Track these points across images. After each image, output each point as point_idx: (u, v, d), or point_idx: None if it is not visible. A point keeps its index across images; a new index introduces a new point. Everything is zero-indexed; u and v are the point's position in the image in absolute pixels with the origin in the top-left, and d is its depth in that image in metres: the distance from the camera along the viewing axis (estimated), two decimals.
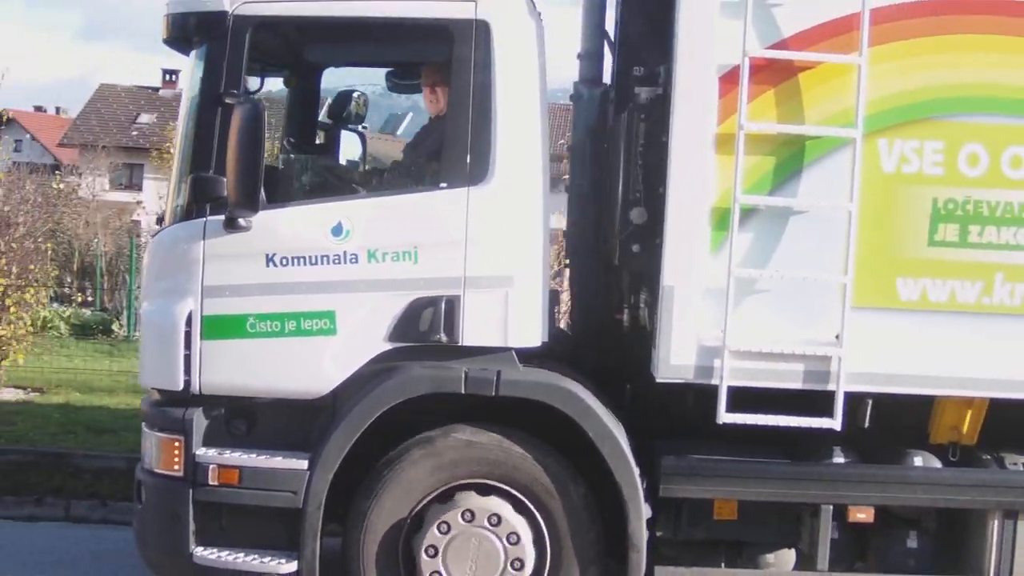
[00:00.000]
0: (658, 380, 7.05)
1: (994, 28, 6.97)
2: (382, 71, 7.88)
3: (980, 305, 7.07)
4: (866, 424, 7.18)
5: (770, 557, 7.42)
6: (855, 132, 6.90)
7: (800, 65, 6.95)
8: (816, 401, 7.08)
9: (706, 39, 6.90)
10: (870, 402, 7.16)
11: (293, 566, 7.05)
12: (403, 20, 7.03)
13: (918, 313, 7.06)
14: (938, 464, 7.37)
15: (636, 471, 7.06)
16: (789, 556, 7.42)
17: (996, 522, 7.27)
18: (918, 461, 7.35)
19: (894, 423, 7.38)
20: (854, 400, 7.12)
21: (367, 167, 7.63)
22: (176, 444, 7.12)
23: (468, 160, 6.97)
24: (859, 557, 7.49)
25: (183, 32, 7.15)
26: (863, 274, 7.02)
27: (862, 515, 7.23)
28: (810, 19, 6.95)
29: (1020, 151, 7.00)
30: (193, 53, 7.24)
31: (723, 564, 7.37)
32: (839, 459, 7.34)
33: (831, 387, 7.02)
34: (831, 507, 7.19)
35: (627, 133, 7.30)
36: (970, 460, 7.39)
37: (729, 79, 6.91)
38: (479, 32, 6.94)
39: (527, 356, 7.19)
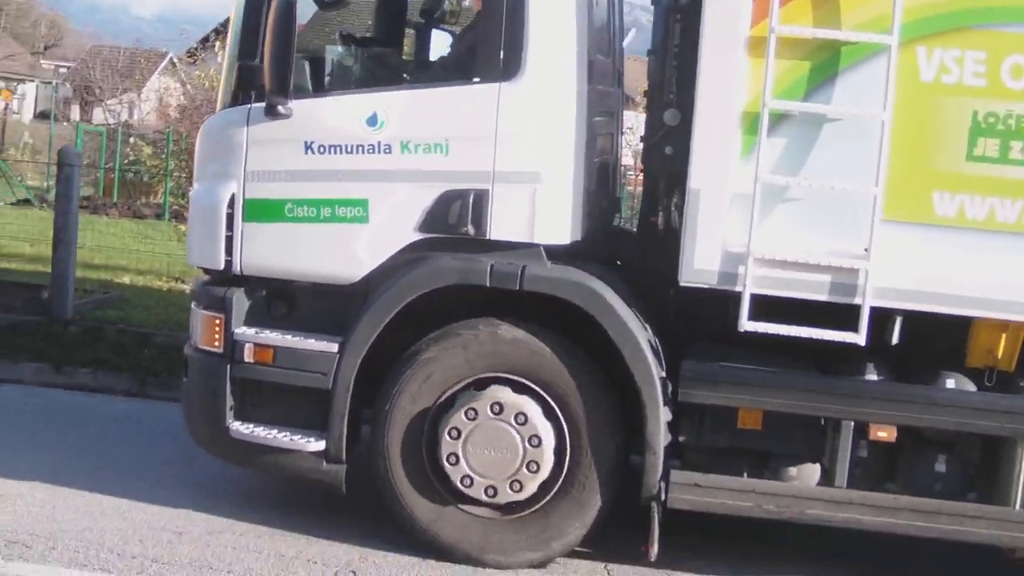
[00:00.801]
0: (681, 284, 7.02)
1: None
2: None
3: (1020, 225, 6.82)
4: (894, 341, 6.99)
5: (793, 471, 7.26)
6: (891, 39, 6.71)
7: None
8: (845, 314, 6.93)
9: None
10: (899, 319, 6.97)
11: (321, 445, 7.27)
12: None
13: (954, 230, 6.85)
14: (972, 388, 7.13)
15: (656, 373, 7.04)
16: (813, 471, 7.25)
17: (1022, 450, 7.00)
18: (950, 383, 7.12)
19: (931, 343, 7.18)
20: (883, 316, 6.95)
21: (406, 59, 7.75)
22: (217, 322, 7.40)
23: (501, 56, 7.02)
24: (887, 477, 7.29)
25: None
26: (897, 187, 6.84)
27: (883, 434, 7.04)
28: None
29: None
30: None
31: (746, 474, 7.26)
32: (871, 376, 7.17)
33: (857, 300, 6.87)
34: (852, 423, 7.04)
35: (664, 34, 7.27)
36: (1007, 387, 7.12)
37: None
38: None
39: (564, 255, 7.24)
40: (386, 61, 7.66)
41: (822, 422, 7.17)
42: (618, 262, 7.89)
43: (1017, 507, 7.00)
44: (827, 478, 7.16)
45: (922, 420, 7.03)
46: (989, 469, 7.16)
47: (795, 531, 7.45)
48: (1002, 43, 6.73)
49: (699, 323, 7.39)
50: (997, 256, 6.83)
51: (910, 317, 7.00)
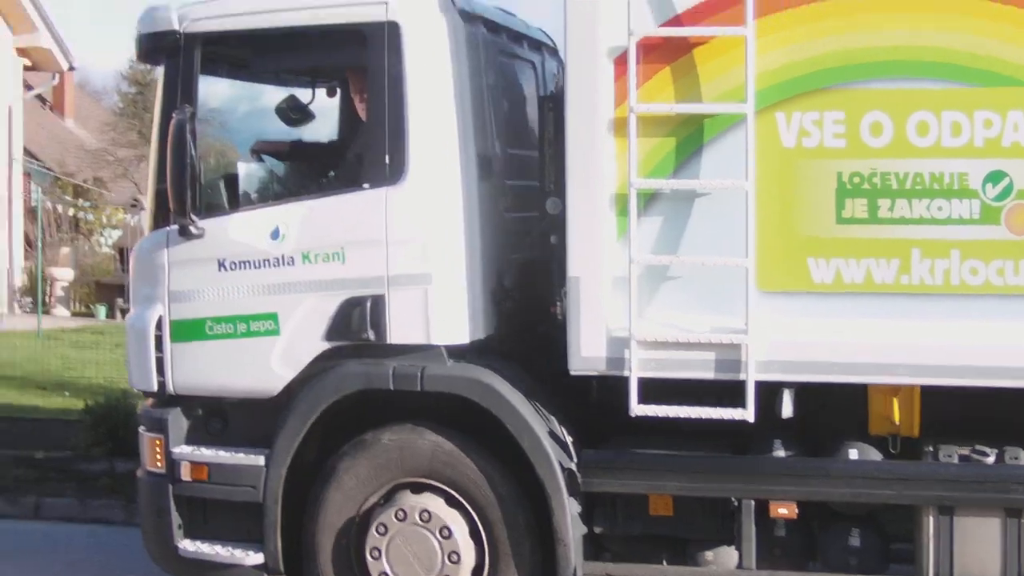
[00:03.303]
0: (572, 372, 7.02)
1: None
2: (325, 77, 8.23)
3: (899, 285, 6.62)
4: (786, 415, 6.85)
5: (709, 555, 7.18)
6: (746, 107, 6.65)
7: (694, 41, 6.79)
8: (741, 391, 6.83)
9: (592, 22, 6.84)
10: (787, 392, 6.83)
11: (260, 558, 7.50)
12: (322, 27, 7.36)
13: (833, 296, 6.70)
14: (877, 456, 6.91)
15: (556, 463, 7.06)
16: (731, 554, 7.12)
17: (931, 518, 6.74)
18: (853, 453, 6.92)
19: (835, 413, 7.03)
20: (773, 390, 6.82)
21: (303, 171, 8.00)
22: (158, 442, 7.72)
23: (386, 160, 7.21)
24: (810, 556, 7.11)
25: (147, 51, 7.78)
26: (771, 256, 6.74)
27: (784, 510, 6.89)
28: None
29: (926, 116, 6.54)
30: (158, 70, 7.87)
31: (665, 561, 7.18)
32: (779, 452, 7.03)
33: (741, 376, 6.76)
34: (752, 502, 6.92)
35: (540, 123, 7.35)
36: (912, 453, 6.88)
37: (622, 61, 6.83)
38: (391, 34, 7.17)
39: (473, 352, 7.34)
40: (285, 175, 7.94)
41: (733, 503, 7.03)
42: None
43: (930, 574, 6.74)
44: (741, 559, 7.02)
45: (819, 494, 6.88)
46: (901, 539, 6.90)
47: None
48: (859, 101, 6.61)
49: (604, 411, 7.34)
50: (878, 319, 6.64)
51: (808, 389, 6.84)
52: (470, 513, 7.26)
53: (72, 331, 21.83)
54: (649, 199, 6.87)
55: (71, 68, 33.96)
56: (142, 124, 30.83)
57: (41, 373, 17.13)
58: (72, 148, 36.14)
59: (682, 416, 6.86)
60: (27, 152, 32.21)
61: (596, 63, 6.85)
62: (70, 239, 29.88)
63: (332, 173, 7.75)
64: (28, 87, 32.70)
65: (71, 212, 31.04)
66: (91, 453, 12.03)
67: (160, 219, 7.69)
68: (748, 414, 6.75)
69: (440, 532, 7.24)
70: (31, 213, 29.21)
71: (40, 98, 36.57)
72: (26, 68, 31.09)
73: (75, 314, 26.16)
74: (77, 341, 20.55)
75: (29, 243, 28.89)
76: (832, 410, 7.01)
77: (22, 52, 30.29)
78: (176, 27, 7.53)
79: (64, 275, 27.87)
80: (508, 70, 8.00)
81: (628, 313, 6.82)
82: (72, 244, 29.30)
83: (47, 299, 26.73)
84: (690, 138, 6.83)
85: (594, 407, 7.36)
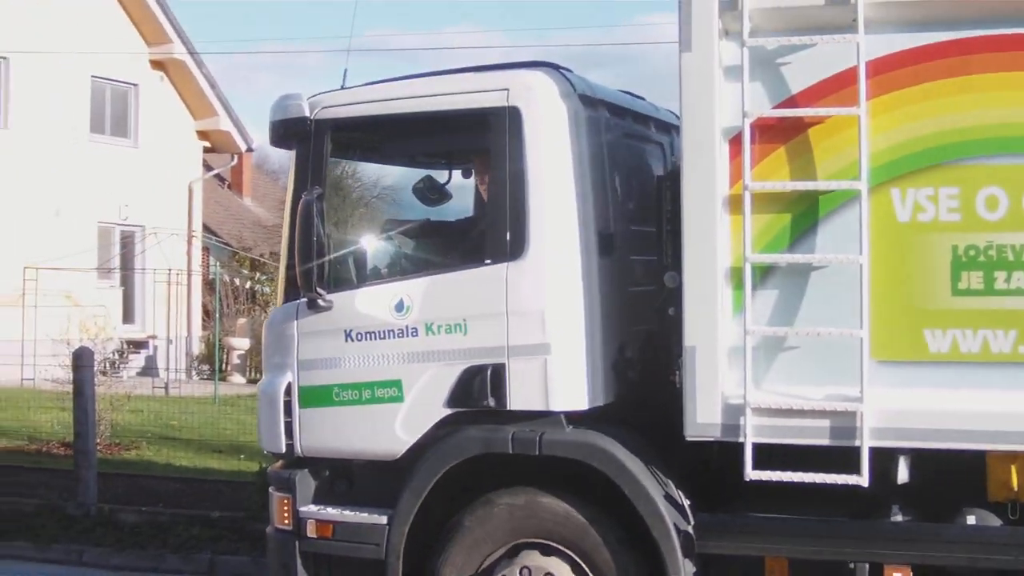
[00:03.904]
0: (687, 438, 7.21)
1: (998, 65, 6.72)
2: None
3: (1016, 354, 6.74)
4: (901, 480, 6.98)
5: None
6: (860, 184, 6.84)
7: (808, 121, 6.99)
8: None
9: (708, 103, 7.08)
10: (901, 458, 6.98)
11: None
12: (448, 112, 7.71)
13: (949, 365, 6.83)
14: (996, 522, 7.01)
15: (671, 526, 7.25)
16: None
17: None
18: (971, 519, 7.02)
19: (953, 480, 7.11)
20: (886, 456, 6.96)
21: (427, 247, 8.30)
22: (286, 501, 8.07)
23: (507, 237, 7.51)
24: None
25: (280, 137, 8.17)
26: (886, 327, 6.89)
27: (898, 574, 6.99)
28: (813, 76, 6.98)
29: None
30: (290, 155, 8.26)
31: None
32: (897, 518, 7.16)
33: (856, 442, 6.90)
34: (867, 565, 7.05)
35: (658, 200, 7.59)
36: None
37: (737, 141, 7.08)
38: (512, 118, 7.50)
39: (592, 420, 7.56)
40: (410, 251, 8.23)
41: (849, 567, 7.16)
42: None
43: None
44: None
45: (934, 558, 6.97)
46: None
47: None
48: (973, 176, 6.76)
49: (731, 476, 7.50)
50: (994, 388, 6.77)
51: (925, 456, 6.98)
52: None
53: (247, 397, 22.28)
54: (765, 273, 7.07)
55: (249, 149, 36.18)
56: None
57: (217, 436, 17.70)
58: (249, 224, 37.67)
59: (796, 480, 7.01)
60: (207, 228, 34.32)
61: (712, 142, 7.08)
62: (247, 310, 31.01)
63: (456, 250, 8.05)
64: (208, 167, 34.83)
65: (248, 284, 32.39)
66: (264, 514, 12.33)
67: (291, 293, 8.04)
68: (863, 480, 6.88)
69: None
70: (209, 286, 30.87)
71: (219, 178, 38.53)
72: (206, 150, 33.37)
73: (250, 381, 26.91)
74: (252, 407, 20.99)
75: (207, 314, 30.43)
76: (950, 477, 7.09)
77: (203, 135, 32.68)
78: (307, 114, 7.91)
79: (241, 344, 29.05)
80: (634, 151, 8.25)
81: (744, 381, 7.02)
82: (249, 315, 30.40)
83: (224, 367, 27.89)
84: (804, 214, 7.03)
85: (711, 473, 7.53)
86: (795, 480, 7.02)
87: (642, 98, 8.66)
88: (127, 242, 30.95)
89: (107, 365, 19.76)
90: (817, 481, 6.98)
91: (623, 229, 7.90)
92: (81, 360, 13.38)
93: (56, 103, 28.44)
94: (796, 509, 7.26)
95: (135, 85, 30.93)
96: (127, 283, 31.17)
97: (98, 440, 13.92)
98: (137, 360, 28.55)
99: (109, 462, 14.93)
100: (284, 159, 34.14)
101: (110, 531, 12.19)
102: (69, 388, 14.12)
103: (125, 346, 26.99)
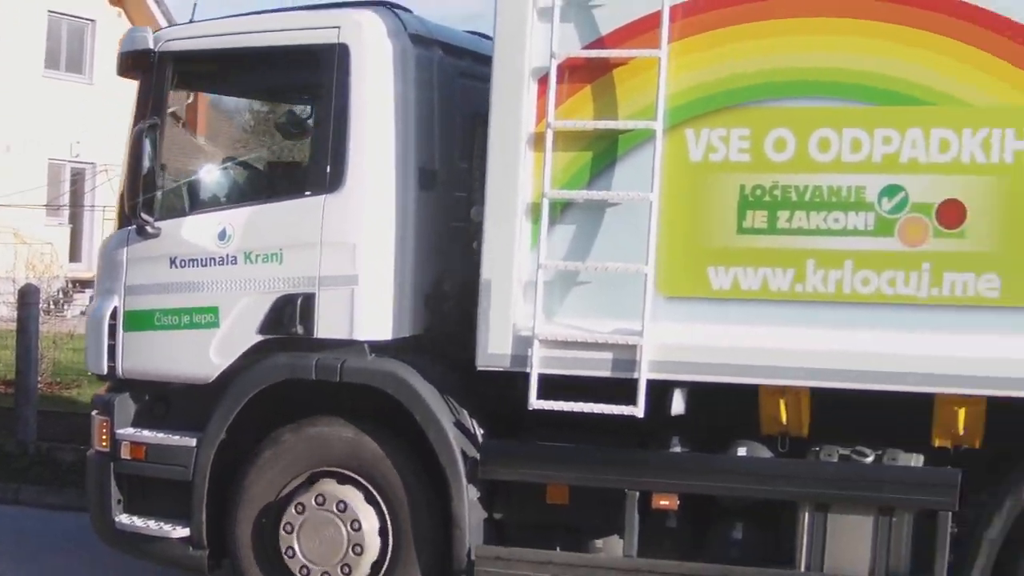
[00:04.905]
0: (479, 368, 7.33)
1: (794, 10, 6.91)
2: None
3: (793, 293, 6.88)
4: (675, 412, 7.14)
5: (599, 543, 7.50)
6: (655, 124, 7.01)
7: (614, 63, 7.16)
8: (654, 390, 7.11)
9: (519, 43, 7.24)
10: (677, 391, 7.12)
11: (186, 532, 7.94)
12: (283, 48, 7.88)
13: (730, 302, 6.98)
14: (767, 454, 7.17)
15: (458, 453, 7.40)
16: (619, 543, 7.38)
17: (807, 514, 6.96)
18: (742, 451, 7.18)
19: (730, 414, 7.27)
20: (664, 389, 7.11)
21: (252, 180, 8.45)
22: (104, 424, 8.19)
23: (327, 170, 7.66)
24: (696, 547, 7.34)
25: (125, 68, 8.33)
26: (673, 263, 7.04)
27: (665, 502, 7.15)
28: (622, 18, 7.14)
29: (827, 133, 6.84)
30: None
31: (558, 548, 7.49)
32: (675, 449, 7.32)
33: (634, 375, 7.02)
34: (636, 493, 7.17)
35: (473, 137, 7.77)
36: (800, 452, 7.13)
37: (545, 81, 7.23)
38: (341, 56, 7.65)
39: (401, 350, 7.69)
40: (236, 183, 8.41)
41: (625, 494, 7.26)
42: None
43: (801, 568, 6.93)
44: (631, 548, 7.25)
45: (700, 487, 7.14)
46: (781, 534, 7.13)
47: None
48: (764, 118, 6.93)
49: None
50: (773, 325, 6.90)
51: (706, 391, 7.10)
52: (383, 510, 7.55)
53: None
54: (563, 210, 7.21)
55: None
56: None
57: None
58: None
59: (576, 411, 7.14)
60: None
61: (521, 82, 7.24)
62: None
63: (279, 182, 8.24)
64: None
65: None
66: None
67: (123, 219, 8.20)
68: (638, 410, 7.01)
69: (351, 524, 7.55)
70: None
71: (175, 116, 38.10)
72: None
73: None
74: None
75: None
76: (727, 411, 7.24)
77: None
78: (151, 47, 8.11)
79: None
80: (469, 90, 8.33)
81: (534, 314, 7.14)
82: None
83: None
84: (604, 153, 7.19)
85: (510, 404, 7.61)
86: (575, 410, 7.15)
87: (488, 37, 8.78)
88: (77, 179, 30.97)
89: (51, 304, 19.60)
90: (596, 411, 7.10)
91: (449, 166, 8.03)
92: (26, 298, 13.51)
93: (11, 38, 28.40)
94: (586, 440, 7.39)
95: (92, 21, 30.92)
96: (76, 221, 31.07)
97: (40, 378, 13.93)
98: (82, 299, 27.62)
99: (49, 399, 14.84)
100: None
101: (47, 469, 12.26)
102: (13, 326, 14.09)
103: (70, 285, 26.94)
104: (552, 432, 7.46)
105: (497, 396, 7.61)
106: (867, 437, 7.06)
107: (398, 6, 8.02)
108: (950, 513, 6.78)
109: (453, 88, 8.18)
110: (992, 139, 6.65)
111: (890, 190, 6.78)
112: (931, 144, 6.72)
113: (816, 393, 7.00)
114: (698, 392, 7.15)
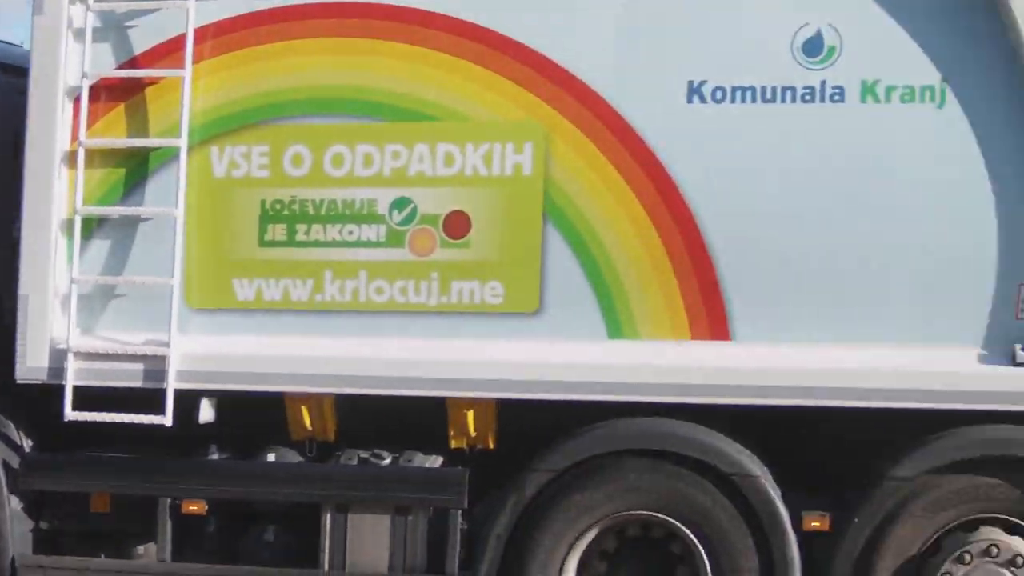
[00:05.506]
0: (18, 381, 7.41)
1: (311, 31, 7.20)
2: None
3: (312, 303, 7.15)
4: (203, 420, 7.32)
5: (141, 549, 7.71)
6: (179, 141, 7.21)
7: (146, 82, 7.36)
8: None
9: (54, 64, 7.37)
10: (204, 400, 7.31)
11: None
12: None
13: (255, 313, 7.21)
14: (297, 459, 7.39)
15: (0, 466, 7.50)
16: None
17: (328, 515, 7.19)
18: (271, 456, 7.41)
19: (264, 421, 7.45)
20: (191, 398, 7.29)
21: None
22: None
23: None
24: (232, 551, 7.49)
25: None
26: (200, 277, 7.25)
27: (194, 507, 7.33)
28: (154, 39, 7.36)
29: (341, 149, 7.14)
30: None
31: (103, 555, 7.63)
32: (214, 456, 7.49)
33: (163, 385, 7.19)
34: (168, 499, 7.35)
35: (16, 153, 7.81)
36: (326, 456, 7.40)
37: (79, 99, 7.38)
38: None
39: None
40: None
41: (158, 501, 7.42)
42: None
43: (325, 568, 7.15)
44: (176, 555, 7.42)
45: (229, 492, 7.33)
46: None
47: None
48: (283, 135, 7.20)
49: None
50: (295, 335, 7.16)
51: (241, 400, 7.27)
52: None
53: None
54: (98, 225, 7.37)
55: None
56: None
57: None
58: None
59: (107, 420, 7.28)
60: None
61: (56, 101, 7.38)
62: None
63: None
64: None
65: None
66: None
67: None
68: (167, 420, 7.18)
69: None
70: None
71: None
72: None
73: None
74: None
75: None
76: (261, 418, 7.41)
77: None
78: None
79: None
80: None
81: (68, 328, 7.27)
82: None
83: None
84: (135, 170, 7.37)
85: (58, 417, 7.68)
86: (107, 420, 7.29)
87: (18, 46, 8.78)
88: None
89: None
90: (126, 421, 7.26)
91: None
92: None
93: None
94: (134, 451, 7.53)
95: None
96: None
97: None
98: None
99: None
100: None
101: None
102: None
103: None
104: (105, 444, 7.56)
105: (47, 410, 7.68)
106: (392, 441, 7.32)
107: None
108: (460, 511, 7.10)
109: (12, 105, 8.17)
110: (493, 153, 7.03)
111: (400, 203, 7.10)
112: (437, 158, 7.06)
113: (340, 399, 7.26)
114: (235, 401, 7.31)
